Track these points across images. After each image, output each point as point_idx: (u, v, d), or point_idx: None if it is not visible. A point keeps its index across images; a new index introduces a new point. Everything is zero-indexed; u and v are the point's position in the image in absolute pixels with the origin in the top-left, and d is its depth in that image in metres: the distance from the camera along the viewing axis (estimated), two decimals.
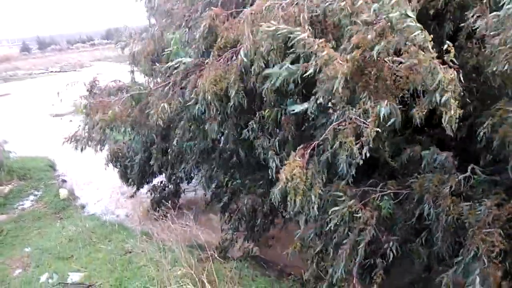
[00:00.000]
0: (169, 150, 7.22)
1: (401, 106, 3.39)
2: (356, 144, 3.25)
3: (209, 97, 4.43)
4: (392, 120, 3.27)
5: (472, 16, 3.58)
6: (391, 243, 3.80)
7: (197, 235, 6.00)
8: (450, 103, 2.97)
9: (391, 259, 3.79)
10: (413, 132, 4.41)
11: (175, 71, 5.34)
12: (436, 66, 2.95)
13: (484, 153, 3.86)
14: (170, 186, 8.60)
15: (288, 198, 3.53)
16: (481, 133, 3.50)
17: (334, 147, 3.43)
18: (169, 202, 7.41)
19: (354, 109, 3.36)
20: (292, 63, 3.69)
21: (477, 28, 3.42)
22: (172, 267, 5.59)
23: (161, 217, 6.50)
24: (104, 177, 10.34)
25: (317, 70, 3.32)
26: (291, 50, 3.60)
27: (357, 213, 3.72)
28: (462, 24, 3.80)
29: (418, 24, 2.99)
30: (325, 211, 4.16)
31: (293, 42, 3.43)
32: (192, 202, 9.16)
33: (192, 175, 7.97)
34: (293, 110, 4.10)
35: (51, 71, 39.78)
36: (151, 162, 7.50)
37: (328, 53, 3.22)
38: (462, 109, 3.16)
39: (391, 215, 3.93)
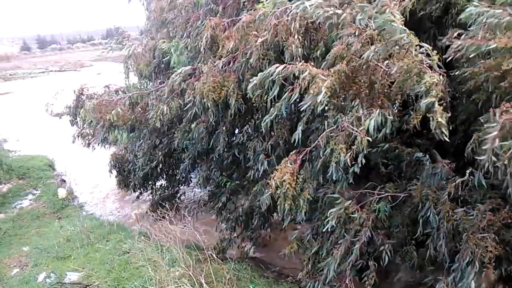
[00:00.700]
0: (168, 151, 7.25)
1: (398, 111, 3.42)
2: (348, 152, 3.26)
3: (208, 104, 4.52)
4: (383, 130, 3.29)
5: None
6: (386, 246, 3.81)
7: (195, 236, 6.00)
8: (435, 108, 2.97)
9: (386, 261, 3.80)
10: (412, 135, 4.43)
11: (175, 75, 5.38)
12: (425, 71, 2.98)
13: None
14: (169, 188, 8.61)
15: (278, 202, 3.56)
16: (469, 149, 3.51)
17: (326, 153, 3.44)
18: (168, 203, 7.42)
19: (346, 117, 3.38)
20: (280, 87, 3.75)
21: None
22: (170, 268, 5.59)
23: (159, 217, 6.50)
24: (103, 177, 10.34)
25: (302, 92, 3.42)
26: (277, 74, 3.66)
27: (353, 214, 3.72)
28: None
29: (403, 28, 3.01)
30: (322, 212, 4.18)
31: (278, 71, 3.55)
32: (190, 203, 9.17)
33: (191, 176, 7.98)
34: (297, 135, 4.14)
35: (51, 71, 39.79)
36: (153, 165, 7.52)
37: (310, 73, 3.31)
38: (458, 113, 3.19)
39: (388, 218, 3.94)
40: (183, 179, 8.10)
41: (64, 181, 11.43)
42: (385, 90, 3.43)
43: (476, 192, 3.68)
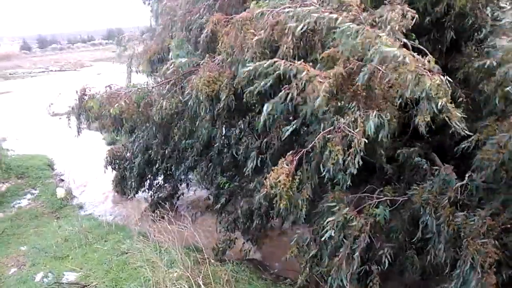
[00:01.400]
0: (168, 150, 7.25)
1: (397, 114, 3.42)
2: (346, 153, 3.26)
3: (201, 97, 4.52)
4: (381, 132, 3.29)
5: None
6: (386, 250, 3.80)
7: (194, 237, 5.99)
8: (449, 107, 2.99)
9: (386, 266, 3.79)
10: (412, 138, 4.43)
11: (175, 70, 5.40)
12: (423, 75, 2.99)
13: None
14: (168, 188, 8.60)
15: (274, 201, 3.57)
16: (462, 147, 3.52)
17: (323, 154, 3.44)
18: (167, 203, 7.41)
19: (343, 119, 3.38)
20: (274, 83, 3.73)
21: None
22: (168, 269, 5.58)
23: (158, 218, 6.49)
24: (102, 177, 10.32)
25: (300, 91, 3.43)
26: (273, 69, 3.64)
27: (351, 221, 3.71)
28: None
29: (392, 48, 3.03)
30: (321, 216, 4.17)
31: (274, 66, 3.54)
32: (189, 204, 9.16)
33: (190, 176, 7.98)
34: (287, 131, 4.13)
35: (51, 70, 39.78)
36: (151, 163, 7.53)
37: (308, 74, 3.31)
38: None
39: (387, 222, 3.93)
40: (183, 178, 8.08)
41: (63, 180, 11.39)
42: (383, 93, 3.43)
43: (476, 196, 3.68)
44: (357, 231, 3.72)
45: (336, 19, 3.33)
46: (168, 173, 8.27)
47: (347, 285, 3.79)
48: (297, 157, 3.59)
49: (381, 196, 3.94)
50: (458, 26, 4.31)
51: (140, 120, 6.03)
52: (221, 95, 4.50)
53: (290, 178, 3.47)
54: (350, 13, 3.37)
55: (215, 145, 5.80)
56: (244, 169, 5.20)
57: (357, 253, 3.70)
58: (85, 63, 43.89)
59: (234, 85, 4.49)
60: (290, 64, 3.46)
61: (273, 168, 3.59)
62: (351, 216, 3.71)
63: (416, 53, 3.29)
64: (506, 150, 3.11)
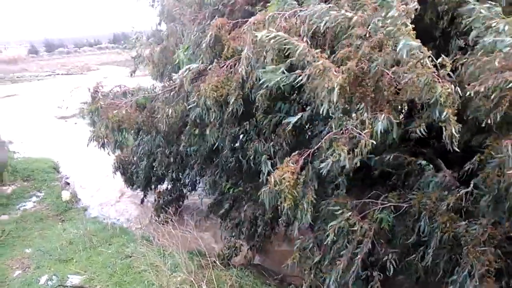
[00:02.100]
0: (173, 155, 7.27)
1: (400, 119, 3.41)
2: (350, 154, 3.24)
3: (209, 103, 4.50)
4: (390, 136, 3.28)
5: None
6: (390, 256, 3.78)
7: (198, 242, 5.99)
8: (450, 119, 2.98)
9: (391, 272, 3.77)
10: (416, 144, 4.42)
11: (181, 76, 5.39)
12: (435, 81, 2.97)
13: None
14: (174, 192, 8.63)
15: (279, 202, 3.55)
16: (467, 168, 3.50)
17: (327, 155, 3.42)
18: (172, 207, 7.43)
19: (350, 120, 3.37)
20: (287, 70, 3.67)
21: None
22: (172, 273, 5.59)
23: (162, 222, 6.50)
24: (107, 181, 10.38)
25: (310, 77, 3.31)
26: (288, 59, 3.60)
27: (354, 227, 3.70)
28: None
29: (416, 43, 3.00)
30: (324, 221, 4.16)
31: (289, 51, 3.43)
32: (194, 209, 9.16)
33: (196, 181, 7.99)
34: (289, 121, 4.12)
35: (58, 74, 40.11)
36: (156, 168, 7.54)
37: (323, 63, 3.20)
38: (464, 123, 3.18)
39: (391, 228, 3.92)
40: (188, 184, 8.10)
41: (68, 183, 11.46)
42: (391, 96, 3.42)
43: (480, 204, 3.65)
44: (361, 236, 3.71)
45: (351, 18, 3.31)
46: (173, 178, 8.30)
47: None
48: (302, 157, 3.59)
49: (386, 202, 3.93)
50: (465, 33, 4.30)
51: (143, 128, 6.01)
52: (230, 99, 4.47)
53: (295, 177, 3.45)
54: (365, 12, 3.35)
55: (220, 151, 5.79)
56: (251, 174, 5.19)
57: (358, 257, 3.68)
58: (92, 66, 44.17)
59: (243, 89, 4.47)
60: (308, 50, 3.33)
61: (278, 166, 3.58)
62: (354, 221, 3.69)
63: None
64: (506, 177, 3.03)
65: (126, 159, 8.85)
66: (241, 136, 5.52)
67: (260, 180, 5.23)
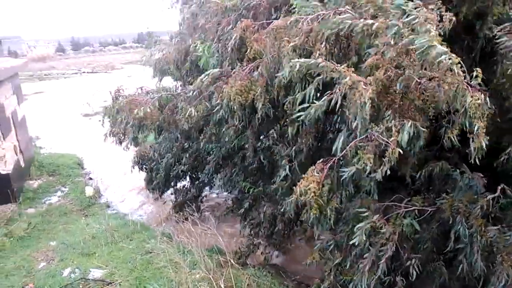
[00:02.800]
0: (193, 153, 7.35)
1: (428, 124, 3.34)
2: (378, 162, 3.19)
3: (235, 107, 4.51)
4: (416, 143, 3.22)
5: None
6: (413, 261, 3.70)
7: (217, 240, 6.03)
8: (480, 131, 2.90)
9: (414, 277, 3.69)
10: (441, 148, 4.32)
11: (207, 79, 5.44)
12: (465, 90, 2.89)
13: None
14: (193, 190, 8.71)
15: (304, 211, 3.53)
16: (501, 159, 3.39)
17: (354, 163, 3.37)
18: (191, 205, 7.51)
19: (377, 127, 3.31)
20: (316, 90, 3.63)
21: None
22: (190, 270, 5.64)
23: (182, 219, 6.57)
24: (129, 177, 10.57)
25: (342, 97, 3.28)
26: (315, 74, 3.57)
27: (380, 229, 3.64)
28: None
29: (445, 49, 2.91)
30: (346, 223, 4.11)
31: (316, 70, 3.44)
32: (214, 207, 9.24)
33: (215, 179, 8.06)
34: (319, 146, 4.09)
35: (84, 72, 41.13)
36: (175, 165, 7.63)
37: (351, 79, 3.18)
38: (492, 130, 3.09)
39: (415, 233, 3.83)
40: (207, 182, 8.17)
41: (92, 179, 11.73)
42: (417, 103, 3.35)
43: (509, 210, 3.55)
44: (385, 239, 3.65)
45: (372, 24, 3.27)
46: (193, 176, 8.39)
47: None
48: (327, 165, 3.55)
49: (409, 206, 3.85)
50: (493, 35, 4.17)
51: (164, 126, 6.09)
52: (257, 104, 4.43)
53: (320, 186, 3.43)
54: (387, 19, 3.30)
55: (243, 152, 5.81)
56: (272, 176, 5.18)
57: (382, 261, 3.62)
58: (116, 65, 45.09)
59: (270, 94, 4.45)
60: (333, 68, 3.32)
61: (303, 176, 3.56)
62: (380, 224, 3.63)
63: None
64: None
65: (147, 155, 8.98)
66: (267, 140, 5.51)
67: (274, 181, 5.26)
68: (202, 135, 6.31)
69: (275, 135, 5.07)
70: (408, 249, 3.87)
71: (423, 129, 3.17)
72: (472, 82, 2.98)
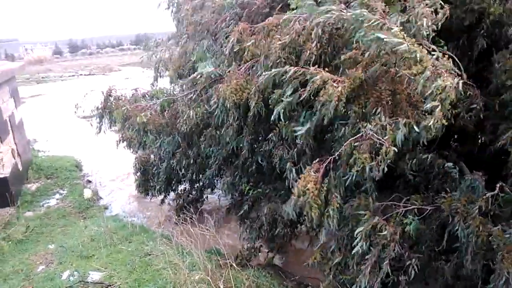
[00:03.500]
0: (193, 157, 7.33)
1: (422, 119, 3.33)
2: (373, 161, 3.19)
3: (229, 105, 4.52)
4: (410, 141, 3.23)
5: None
6: (413, 260, 3.69)
7: (216, 241, 6.02)
8: (435, 112, 2.93)
9: (412, 276, 3.68)
10: (439, 147, 4.32)
11: (201, 79, 5.43)
12: (438, 76, 2.92)
13: None
14: (193, 193, 8.69)
15: (304, 212, 3.51)
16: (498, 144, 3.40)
17: (350, 162, 3.37)
18: (191, 207, 7.50)
19: (370, 125, 3.31)
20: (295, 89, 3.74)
21: None
22: (190, 271, 5.62)
23: (181, 221, 6.55)
24: (128, 179, 10.55)
25: (312, 94, 3.44)
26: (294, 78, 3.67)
27: (381, 231, 3.62)
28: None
29: (414, 47, 2.98)
30: (346, 224, 4.10)
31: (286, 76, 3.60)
32: (213, 209, 9.22)
33: (214, 181, 8.04)
34: (296, 132, 4.10)
35: (81, 74, 41.03)
36: (176, 169, 7.62)
37: (321, 77, 3.29)
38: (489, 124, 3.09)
39: (415, 232, 3.82)
40: (207, 185, 8.15)
41: (90, 181, 11.71)
42: (408, 98, 3.36)
43: (507, 208, 3.55)
44: (386, 240, 3.63)
45: (360, 14, 3.28)
46: (193, 178, 8.36)
47: None
48: (324, 165, 3.54)
49: (408, 205, 3.84)
50: (492, 34, 4.18)
51: (165, 130, 6.10)
52: (250, 103, 4.45)
53: (318, 186, 3.42)
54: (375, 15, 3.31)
55: (241, 153, 5.79)
56: (272, 178, 5.15)
57: (386, 262, 3.60)
58: (114, 67, 44.95)
59: (262, 93, 4.46)
60: (305, 69, 3.48)
61: (300, 176, 3.55)
62: (381, 225, 3.61)
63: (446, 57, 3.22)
64: None
65: (147, 160, 8.98)
66: (261, 140, 5.51)
67: (279, 182, 5.23)
68: (202, 137, 6.30)
69: (274, 138, 5.06)
70: (408, 248, 3.86)
71: (416, 128, 3.18)
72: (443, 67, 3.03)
